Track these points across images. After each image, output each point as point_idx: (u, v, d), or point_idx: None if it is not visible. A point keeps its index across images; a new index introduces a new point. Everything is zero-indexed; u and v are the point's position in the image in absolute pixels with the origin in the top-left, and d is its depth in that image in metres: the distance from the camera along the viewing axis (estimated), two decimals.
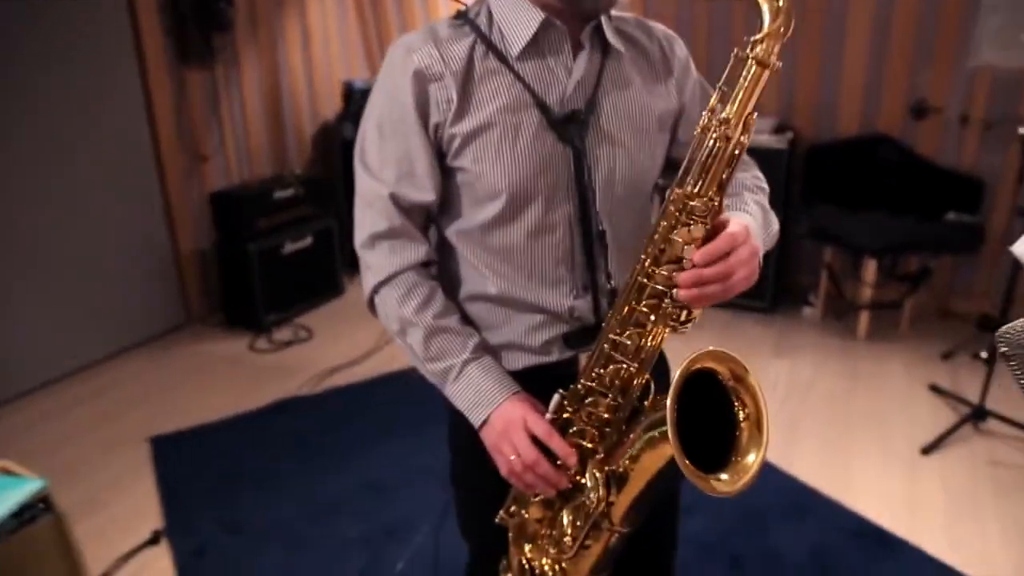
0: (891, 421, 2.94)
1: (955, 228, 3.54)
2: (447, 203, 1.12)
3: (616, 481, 1.02)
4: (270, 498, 2.55)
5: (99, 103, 3.40)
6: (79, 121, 3.33)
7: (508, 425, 1.04)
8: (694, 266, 0.93)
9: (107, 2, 3.38)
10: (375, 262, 1.12)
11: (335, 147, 4.50)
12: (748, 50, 0.90)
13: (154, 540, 2.33)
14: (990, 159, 3.53)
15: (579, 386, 1.04)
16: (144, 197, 3.67)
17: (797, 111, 3.90)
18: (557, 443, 1.02)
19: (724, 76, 0.92)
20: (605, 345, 1.01)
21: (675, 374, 0.92)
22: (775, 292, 3.86)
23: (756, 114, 0.93)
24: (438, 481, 1.30)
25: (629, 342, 1.00)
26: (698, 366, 0.94)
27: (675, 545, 1.38)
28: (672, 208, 0.95)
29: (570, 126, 1.05)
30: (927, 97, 3.60)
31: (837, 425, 2.93)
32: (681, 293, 0.94)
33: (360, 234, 1.13)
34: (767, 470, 0.89)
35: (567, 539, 1.08)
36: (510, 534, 1.15)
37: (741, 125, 0.92)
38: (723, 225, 0.95)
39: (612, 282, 1.11)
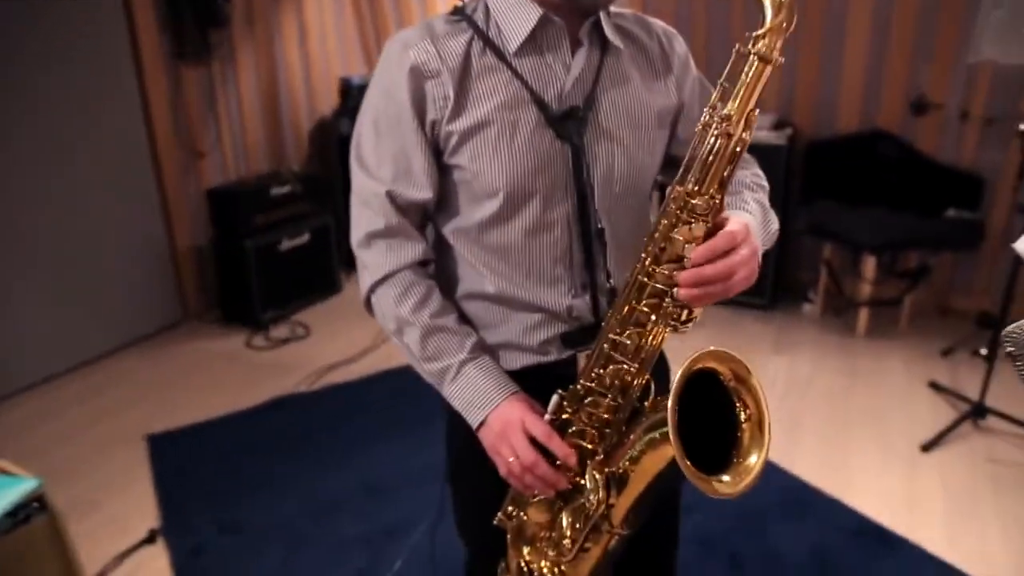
0: (890, 418, 2.93)
1: (955, 225, 3.53)
2: (444, 201, 1.11)
3: (616, 483, 1.01)
4: (267, 497, 2.54)
5: (95, 101, 3.38)
6: (76, 119, 3.31)
7: (506, 426, 1.03)
8: (693, 264, 0.92)
9: (106, 1, 3.36)
10: (371, 261, 1.11)
11: (332, 143, 4.47)
12: (750, 46, 0.89)
13: (150, 539, 2.32)
14: (990, 155, 3.51)
15: (578, 387, 1.03)
16: (141, 194, 3.65)
17: (797, 107, 3.88)
18: (556, 444, 1.01)
19: (725, 72, 0.91)
20: (605, 345, 1.00)
21: (676, 374, 0.91)
22: (774, 289, 3.85)
23: (758, 111, 0.92)
24: (438, 479, 1.29)
25: (629, 342, 0.99)
26: (699, 366, 0.93)
27: (676, 544, 1.37)
28: (673, 206, 0.94)
29: (568, 123, 1.04)
30: (927, 93, 3.58)
31: (836, 422, 2.92)
32: (681, 292, 0.93)
33: (356, 233, 1.12)
34: (766, 468, 0.88)
35: (566, 541, 1.07)
36: (508, 536, 1.14)
37: (743, 122, 0.90)
38: (723, 224, 0.94)
39: (611, 281, 1.10)
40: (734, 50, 0.90)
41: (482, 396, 1.05)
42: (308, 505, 2.49)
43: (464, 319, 1.14)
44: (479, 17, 1.05)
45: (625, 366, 1.00)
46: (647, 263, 0.96)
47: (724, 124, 0.90)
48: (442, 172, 1.08)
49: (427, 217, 1.15)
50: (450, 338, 1.08)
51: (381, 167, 1.07)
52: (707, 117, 0.91)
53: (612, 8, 1.08)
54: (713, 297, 0.94)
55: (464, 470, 1.25)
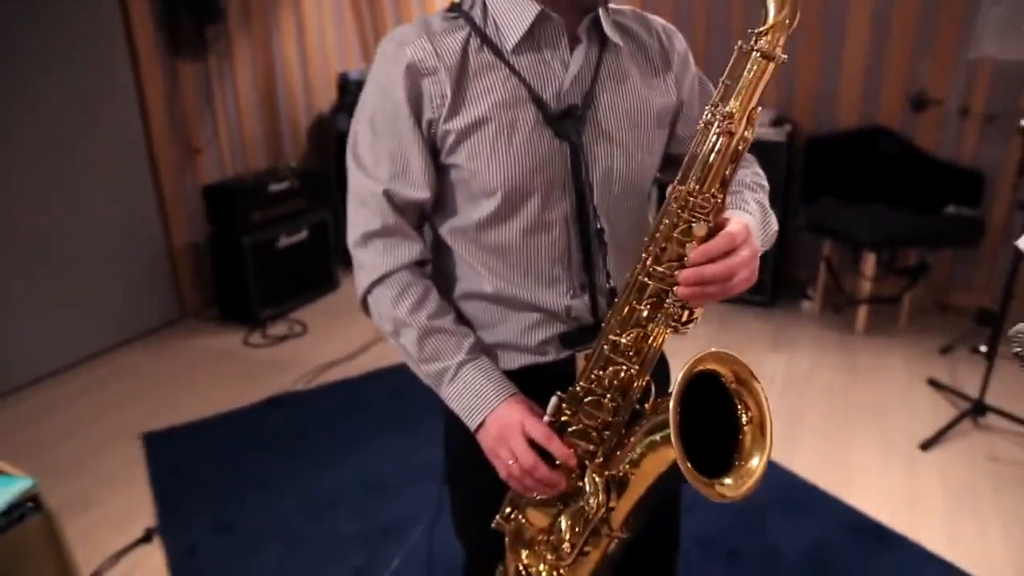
0: (890, 416, 2.93)
1: (955, 221, 3.52)
2: (442, 200, 1.10)
3: (616, 486, 1.00)
4: (264, 495, 2.53)
5: (92, 99, 3.36)
6: (73, 117, 3.29)
7: (505, 429, 1.01)
8: (692, 264, 0.91)
9: (105, 1, 3.35)
10: (368, 261, 1.09)
11: (330, 139, 4.46)
12: (752, 43, 0.88)
13: (147, 538, 2.31)
14: (990, 152, 3.50)
15: (577, 388, 1.02)
16: (137, 190, 3.63)
17: (796, 103, 3.87)
18: (556, 446, 1.00)
19: (727, 70, 0.90)
20: (605, 346, 0.99)
21: (676, 375, 0.90)
22: (774, 286, 3.84)
23: (760, 108, 0.90)
24: (436, 477, 1.28)
25: (629, 343, 0.98)
26: (701, 368, 0.92)
27: (677, 545, 1.37)
28: (674, 205, 0.92)
29: (567, 122, 1.02)
30: (927, 89, 3.57)
31: (835, 420, 2.92)
32: (681, 290, 0.92)
33: (353, 232, 1.10)
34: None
35: (565, 545, 1.06)
36: (507, 539, 1.13)
37: (745, 120, 0.89)
38: (724, 224, 0.93)
39: (611, 281, 1.08)
40: (736, 47, 0.89)
41: (480, 398, 1.04)
42: (305, 503, 2.48)
43: (462, 319, 1.13)
44: (476, 14, 1.04)
45: (625, 367, 0.99)
46: (648, 263, 0.94)
47: (726, 122, 0.89)
48: (439, 171, 1.07)
49: (424, 217, 1.13)
50: (448, 339, 1.07)
51: (378, 166, 1.06)
52: (709, 115, 0.90)
53: (611, 4, 1.06)
54: (712, 297, 0.93)
55: (462, 472, 1.24)
